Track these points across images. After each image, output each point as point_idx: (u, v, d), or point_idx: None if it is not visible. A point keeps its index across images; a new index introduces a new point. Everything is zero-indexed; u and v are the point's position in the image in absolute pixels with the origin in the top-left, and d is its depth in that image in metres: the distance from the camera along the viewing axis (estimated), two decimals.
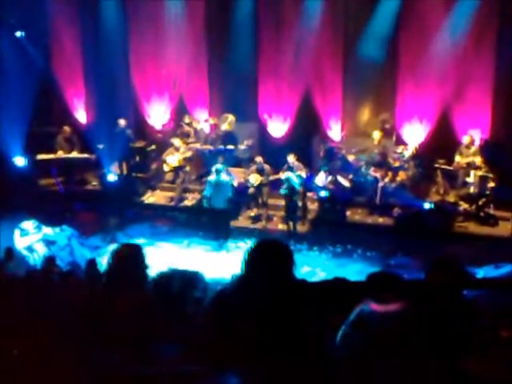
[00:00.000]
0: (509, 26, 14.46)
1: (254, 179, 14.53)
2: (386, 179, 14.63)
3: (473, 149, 14.70)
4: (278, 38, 16.14)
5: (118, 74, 17.16)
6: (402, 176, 14.65)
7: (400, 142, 15.77)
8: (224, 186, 14.03)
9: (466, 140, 14.79)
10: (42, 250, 13.07)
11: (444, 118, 15.31)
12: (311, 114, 16.32)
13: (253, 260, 3.94)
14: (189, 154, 15.79)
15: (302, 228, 14.56)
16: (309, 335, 3.82)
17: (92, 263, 9.48)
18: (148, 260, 4.64)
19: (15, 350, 4.16)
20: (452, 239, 13.37)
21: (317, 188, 14.55)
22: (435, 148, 15.25)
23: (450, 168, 14.79)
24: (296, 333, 3.79)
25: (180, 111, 17.23)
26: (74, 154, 16.09)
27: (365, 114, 16.68)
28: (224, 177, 14.13)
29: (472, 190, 14.31)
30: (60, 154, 15.95)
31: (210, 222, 14.47)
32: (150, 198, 16.24)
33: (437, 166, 14.92)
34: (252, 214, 15.06)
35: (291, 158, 14.44)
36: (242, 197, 15.11)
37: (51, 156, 15.94)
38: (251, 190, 14.74)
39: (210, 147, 16.09)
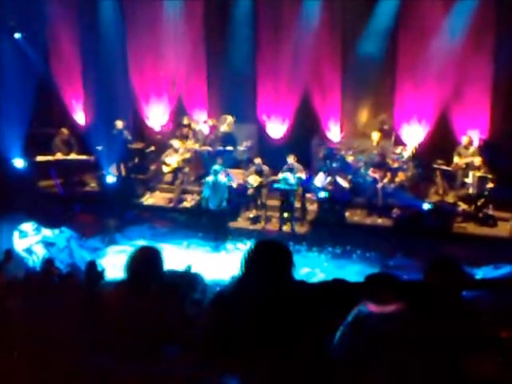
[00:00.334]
0: (507, 26, 14.46)
1: (253, 180, 14.55)
2: (385, 180, 14.64)
3: (471, 149, 14.71)
4: (276, 39, 16.14)
5: (116, 75, 17.17)
6: (400, 177, 14.66)
7: (399, 142, 15.76)
8: (221, 187, 14.02)
9: (464, 140, 14.79)
10: (41, 252, 13.05)
11: (443, 118, 15.32)
12: (310, 115, 16.32)
13: (252, 261, 3.95)
14: (188, 155, 15.80)
15: (301, 229, 14.54)
16: (307, 336, 3.82)
17: (91, 265, 9.44)
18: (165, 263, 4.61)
19: (15, 352, 4.17)
20: (451, 240, 13.36)
21: (316, 189, 14.56)
22: (434, 149, 15.25)
23: (449, 168, 14.79)
24: (295, 334, 3.79)
25: (179, 112, 17.23)
26: (73, 156, 16.07)
27: (364, 115, 16.67)
28: (221, 178, 14.11)
29: (471, 190, 14.30)
30: (59, 155, 15.93)
31: (209, 223, 14.46)
32: (149, 199, 16.23)
33: (436, 166, 14.93)
34: (251, 215, 15.06)
35: (291, 159, 14.46)
36: (241, 198, 15.12)
37: (50, 158, 15.92)
38: (250, 191, 14.75)
39: (209, 148, 16.09)
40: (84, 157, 16.09)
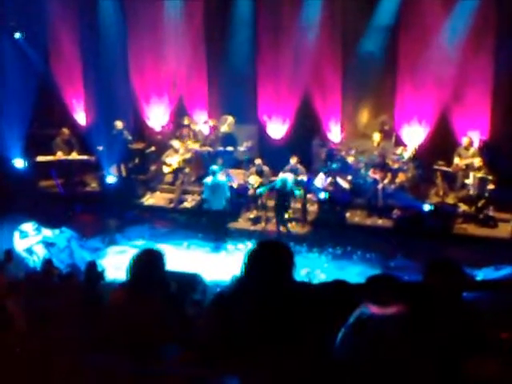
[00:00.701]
0: (507, 27, 14.47)
1: (254, 181, 14.55)
2: (386, 181, 14.63)
3: (471, 150, 14.70)
4: (276, 40, 16.13)
5: (117, 75, 17.16)
6: (401, 178, 14.66)
7: (399, 143, 15.76)
8: (221, 187, 13.98)
9: (464, 142, 14.79)
10: (41, 252, 13.05)
11: (443, 119, 15.31)
12: (310, 116, 16.31)
13: (253, 261, 3.94)
14: (188, 155, 15.81)
15: (301, 230, 14.56)
16: (308, 337, 3.82)
17: (92, 265, 9.46)
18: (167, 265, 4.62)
19: (18, 349, 4.17)
20: (451, 241, 13.37)
21: (316, 190, 14.56)
22: (434, 149, 15.25)
23: (449, 170, 14.79)
24: (295, 335, 3.79)
25: (179, 113, 17.23)
26: (74, 156, 16.06)
27: (364, 116, 16.66)
28: (221, 177, 14.09)
29: (471, 191, 14.30)
30: (59, 155, 15.92)
31: (210, 224, 14.45)
32: (150, 199, 16.23)
33: (436, 167, 14.92)
34: (251, 215, 15.06)
35: (293, 161, 14.45)
36: (241, 198, 15.12)
37: (51, 158, 15.91)
38: (251, 192, 14.75)
39: (210, 149, 16.10)
40: (84, 157, 16.07)
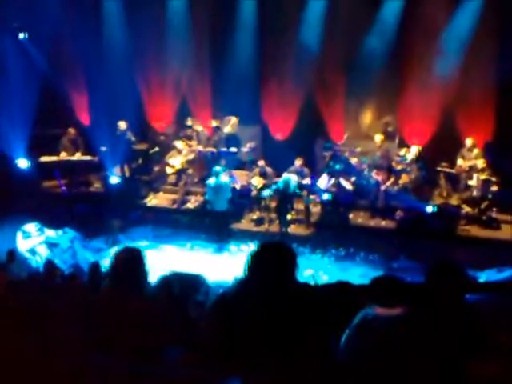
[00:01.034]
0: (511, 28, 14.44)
1: (257, 182, 14.54)
2: (389, 182, 14.63)
3: (475, 152, 14.69)
4: (280, 41, 16.12)
5: (121, 76, 17.14)
6: (404, 179, 14.65)
7: (403, 144, 15.76)
8: (224, 188, 13.98)
9: (468, 143, 14.78)
10: (44, 253, 13.07)
11: (447, 120, 15.27)
12: (314, 117, 16.30)
13: (256, 263, 3.94)
14: (191, 156, 15.83)
15: (304, 231, 14.55)
16: (311, 339, 3.82)
17: (95, 266, 9.46)
18: (148, 263, 4.65)
19: (17, 352, 4.17)
20: (454, 242, 13.35)
21: (319, 191, 14.55)
22: (438, 151, 15.22)
23: (453, 171, 14.78)
24: (298, 336, 3.79)
25: (182, 113, 17.23)
26: (78, 156, 16.08)
27: (367, 117, 16.67)
28: (223, 178, 14.08)
29: (475, 193, 14.29)
30: (63, 156, 15.94)
31: (213, 225, 14.45)
32: (153, 200, 16.24)
33: (439, 168, 14.92)
34: (254, 216, 15.06)
35: (298, 162, 14.43)
36: (244, 199, 15.11)
37: (54, 158, 15.94)
38: (254, 193, 14.74)
39: (213, 149, 16.10)
40: (88, 157, 16.11)
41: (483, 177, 14.10)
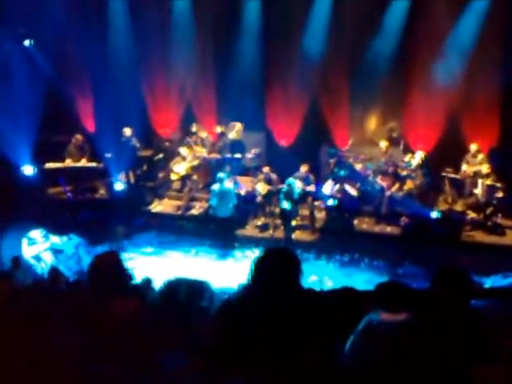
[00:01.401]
0: None
1: (262, 188, 14.53)
2: (394, 188, 14.61)
3: (480, 157, 14.67)
4: (285, 46, 16.14)
5: (125, 82, 17.18)
6: (409, 185, 14.64)
7: (407, 150, 15.74)
8: (228, 194, 13.99)
9: (472, 149, 14.76)
10: (49, 259, 13.10)
11: (451, 126, 15.26)
12: (318, 123, 16.30)
13: (260, 269, 3.93)
14: (196, 162, 15.83)
15: (309, 237, 14.54)
16: (316, 345, 3.81)
17: None
18: (127, 266, 4.71)
19: (19, 358, 4.17)
20: (459, 248, 13.33)
21: (324, 197, 14.54)
22: (443, 157, 15.21)
23: (457, 177, 14.76)
24: (303, 342, 3.78)
25: (187, 120, 17.25)
26: (83, 163, 16.09)
27: (372, 123, 16.68)
28: (228, 184, 14.08)
29: (480, 198, 14.26)
30: (68, 162, 15.96)
31: (217, 231, 14.45)
32: (158, 206, 16.25)
33: (444, 174, 14.91)
34: (259, 222, 15.05)
35: (304, 169, 14.41)
36: (249, 205, 15.11)
37: (59, 165, 15.95)
38: (259, 199, 14.73)
39: (217, 156, 16.12)
40: (93, 164, 16.11)
41: (488, 182, 14.08)
